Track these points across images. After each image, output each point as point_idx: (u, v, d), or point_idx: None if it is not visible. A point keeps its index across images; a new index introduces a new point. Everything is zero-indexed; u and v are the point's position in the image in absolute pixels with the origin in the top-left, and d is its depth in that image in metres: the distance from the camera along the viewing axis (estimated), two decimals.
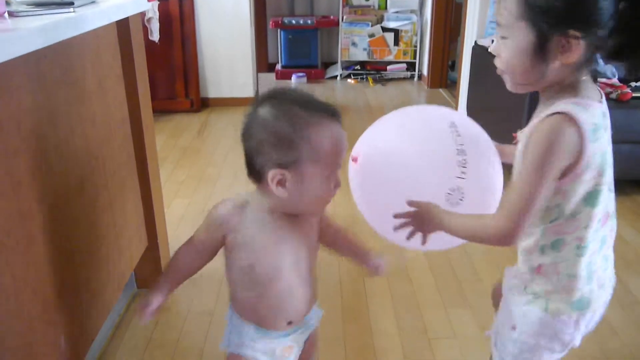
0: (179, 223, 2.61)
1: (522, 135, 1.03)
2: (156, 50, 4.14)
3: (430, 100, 4.92)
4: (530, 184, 0.94)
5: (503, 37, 1.00)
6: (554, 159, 0.93)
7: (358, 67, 5.60)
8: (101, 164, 1.57)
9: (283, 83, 5.43)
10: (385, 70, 5.56)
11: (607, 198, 1.04)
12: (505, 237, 0.96)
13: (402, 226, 1.12)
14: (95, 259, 1.52)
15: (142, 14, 3.75)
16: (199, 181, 3.11)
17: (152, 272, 2.07)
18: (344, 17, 5.45)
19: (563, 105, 0.95)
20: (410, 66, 5.59)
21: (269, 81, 5.45)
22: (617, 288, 2.10)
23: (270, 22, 5.51)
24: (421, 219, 1.10)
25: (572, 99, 0.96)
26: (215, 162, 3.42)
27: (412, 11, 5.43)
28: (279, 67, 5.61)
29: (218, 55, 4.45)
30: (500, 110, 3.14)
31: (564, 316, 1.05)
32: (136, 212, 1.88)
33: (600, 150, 0.98)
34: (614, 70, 3.11)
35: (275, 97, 1.03)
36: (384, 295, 2.06)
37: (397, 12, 5.45)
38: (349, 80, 5.49)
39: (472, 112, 3.75)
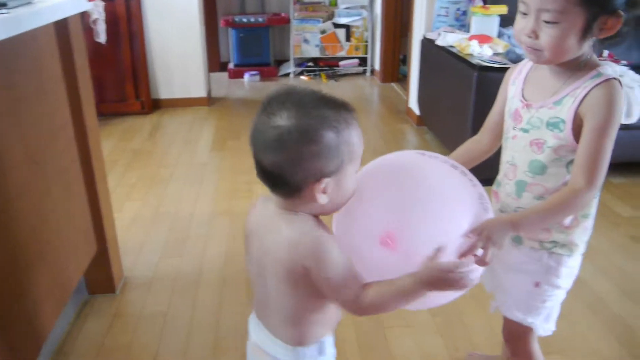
0: (131, 226, 2.57)
1: (554, 100, 1.14)
2: (103, 52, 4.06)
3: (383, 95, 4.98)
4: (604, 146, 1.07)
5: (549, 22, 1.05)
6: (618, 120, 1.07)
7: (311, 63, 5.61)
8: (42, 168, 1.53)
9: (236, 82, 5.40)
10: (338, 66, 5.59)
11: None
12: (592, 198, 1.11)
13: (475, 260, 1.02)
14: (40, 265, 1.49)
15: (87, 15, 3.68)
16: (151, 183, 3.07)
17: (103, 277, 2.03)
18: (295, 14, 5.45)
19: (609, 71, 1.08)
20: (363, 61, 5.63)
21: (222, 81, 5.40)
22: (584, 294, 2.15)
23: (221, 21, 5.46)
24: (487, 239, 1.00)
25: (605, 67, 1.10)
26: (168, 163, 3.37)
27: (362, 7, 5.48)
28: (231, 66, 5.57)
29: (168, 55, 4.38)
30: (448, 101, 3.20)
31: (579, 252, 1.22)
32: (83, 217, 1.85)
33: None
34: None
35: (292, 101, 0.93)
36: None
37: (347, 8, 5.48)
38: (302, 77, 5.50)
39: (422, 104, 3.81)
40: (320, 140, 0.90)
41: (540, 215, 1.11)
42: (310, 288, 0.95)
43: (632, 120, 2.79)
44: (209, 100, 4.66)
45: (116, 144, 3.70)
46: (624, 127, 2.80)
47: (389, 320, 1.89)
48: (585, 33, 1.06)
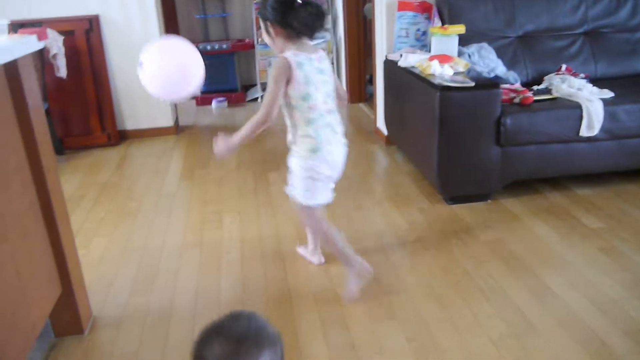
0: (99, 263, 2.51)
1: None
2: (66, 86, 4.02)
3: (351, 115, 5.00)
4: (272, 90, 1.94)
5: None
6: (280, 75, 1.93)
7: None
8: None
9: (203, 109, 5.37)
10: None
11: (323, 103, 2.02)
12: (265, 119, 1.96)
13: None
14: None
15: (47, 50, 3.64)
16: (120, 217, 3.02)
17: (69, 318, 1.98)
18: (259, 40, 5.46)
19: (285, 53, 1.97)
20: None
21: (189, 109, 5.38)
22: (531, 282, 2.17)
23: None
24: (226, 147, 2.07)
25: (292, 52, 1.96)
26: (136, 195, 3.33)
27: (325, 30, 5.52)
28: (198, 93, 5.55)
29: (132, 86, 4.34)
30: (413, 121, 3.23)
31: (310, 157, 2.03)
32: (44, 260, 1.80)
33: (305, 75, 1.95)
34: (516, 76, 3.28)
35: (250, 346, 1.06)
36: (311, 316, 2.05)
37: None
38: None
39: (389, 124, 3.84)
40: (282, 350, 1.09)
41: (244, 129, 2.01)
42: None
43: (593, 132, 2.85)
44: (177, 129, 4.62)
45: (83, 178, 3.64)
46: (586, 140, 2.86)
47: (363, 347, 1.87)
48: (268, 33, 2.01)
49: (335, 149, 2.06)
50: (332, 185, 2.15)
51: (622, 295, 2.09)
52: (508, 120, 2.79)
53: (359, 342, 1.90)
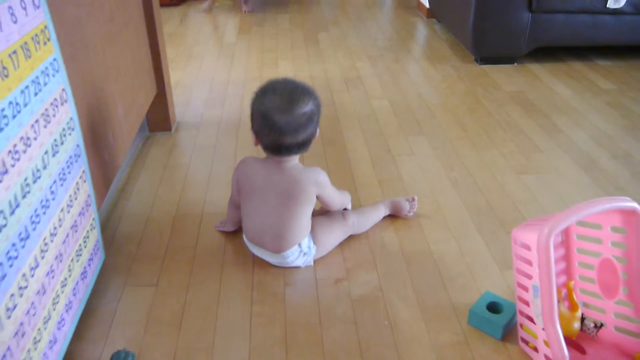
0: (176, 87, 2.97)
1: None
2: None
3: None
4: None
5: None
6: None
7: None
8: (121, 3, 1.91)
9: None
10: None
11: None
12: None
13: None
14: (126, 80, 1.90)
15: None
16: (189, 57, 3.45)
17: (161, 117, 2.45)
18: None
19: None
20: None
21: None
22: (543, 122, 2.55)
23: None
24: None
25: None
26: (200, 43, 3.74)
27: None
28: None
29: None
30: None
31: None
32: (147, 59, 2.24)
33: None
34: None
35: (298, 95, 1.47)
36: (355, 129, 2.50)
37: None
38: None
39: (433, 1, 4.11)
40: (317, 100, 1.51)
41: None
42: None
43: (620, 4, 3.12)
44: None
45: None
46: (612, 12, 3.13)
47: (397, 150, 2.32)
48: None
49: None
50: None
51: (618, 134, 2.49)
52: None
53: (393, 147, 2.35)
